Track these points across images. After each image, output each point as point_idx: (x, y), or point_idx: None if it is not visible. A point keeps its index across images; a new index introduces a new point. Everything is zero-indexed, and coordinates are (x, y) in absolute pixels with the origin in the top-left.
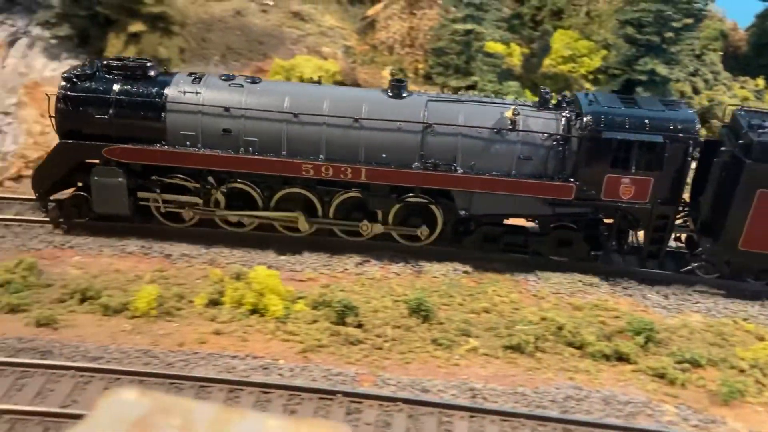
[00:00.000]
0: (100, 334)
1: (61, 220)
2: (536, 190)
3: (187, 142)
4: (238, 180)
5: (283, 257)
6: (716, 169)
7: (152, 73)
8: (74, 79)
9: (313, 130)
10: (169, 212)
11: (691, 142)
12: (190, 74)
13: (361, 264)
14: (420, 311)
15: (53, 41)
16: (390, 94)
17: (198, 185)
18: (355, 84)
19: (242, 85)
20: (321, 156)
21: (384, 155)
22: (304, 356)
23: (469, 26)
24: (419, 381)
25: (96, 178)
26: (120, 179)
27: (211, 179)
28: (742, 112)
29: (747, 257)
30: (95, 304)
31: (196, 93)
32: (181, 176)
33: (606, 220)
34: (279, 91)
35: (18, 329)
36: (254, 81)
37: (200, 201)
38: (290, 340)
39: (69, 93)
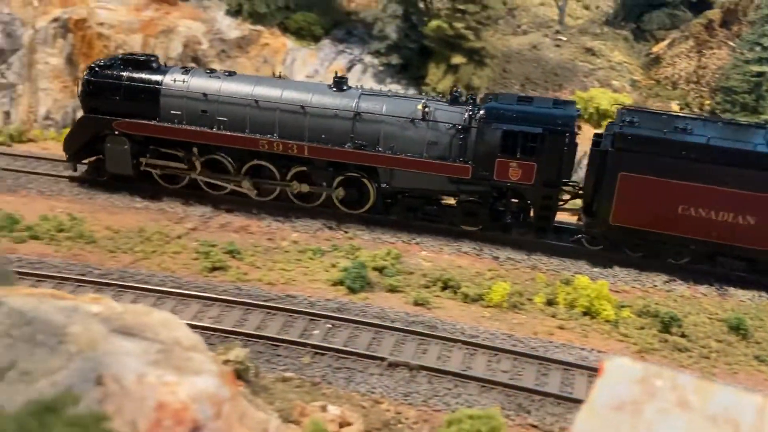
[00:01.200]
0: (466, 317)
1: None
2: (439, 169)
3: (175, 120)
4: (218, 153)
5: (596, 269)
6: (592, 156)
7: (154, 65)
8: (96, 68)
9: (269, 114)
10: (164, 175)
11: (568, 134)
12: (182, 67)
13: (668, 282)
14: (739, 329)
15: (381, 68)
16: (333, 88)
17: (184, 153)
18: None
19: (219, 77)
20: (275, 134)
21: (323, 136)
22: (641, 356)
23: (765, 68)
24: (751, 390)
25: (108, 145)
26: (126, 146)
27: (195, 150)
28: (625, 110)
29: (618, 231)
30: (457, 292)
31: (184, 81)
32: (174, 146)
33: (512, 200)
34: (246, 82)
35: (401, 306)
36: (230, 74)
37: (185, 166)
38: (625, 341)
39: (91, 78)
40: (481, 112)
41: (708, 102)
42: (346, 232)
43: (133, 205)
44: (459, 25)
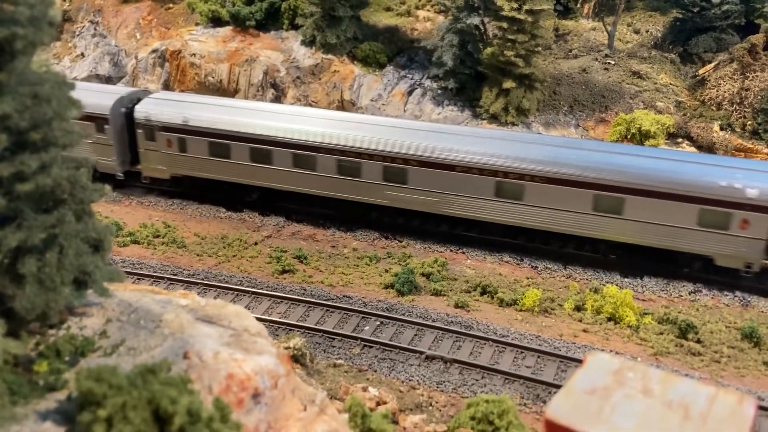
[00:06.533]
0: (500, 320)
1: None
2: None
3: None
4: None
5: (626, 279)
6: None
7: None
8: None
9: None
10: None
11: None
12: None
13: (693, 292)
14: (752, 337)
15: (439, 91)
16: None
17: None
18: (688, 137)
19: None
20: None
21: None
22: (655, 358)
23: None
24: (754, 391)
25: None
26: None
27: None
28: None
29: None
30: (494, 297)
31: None
32: None
33: None
34: None
35: (443, 308)
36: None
37: None
38: (643, 344)
39: None
40: None
41: (750, 122)
42: (400, 242)
43: (218, 214)
44: (509, 53)
